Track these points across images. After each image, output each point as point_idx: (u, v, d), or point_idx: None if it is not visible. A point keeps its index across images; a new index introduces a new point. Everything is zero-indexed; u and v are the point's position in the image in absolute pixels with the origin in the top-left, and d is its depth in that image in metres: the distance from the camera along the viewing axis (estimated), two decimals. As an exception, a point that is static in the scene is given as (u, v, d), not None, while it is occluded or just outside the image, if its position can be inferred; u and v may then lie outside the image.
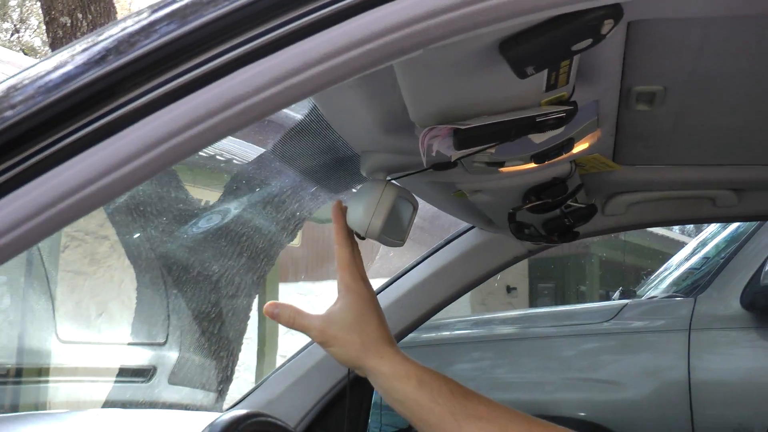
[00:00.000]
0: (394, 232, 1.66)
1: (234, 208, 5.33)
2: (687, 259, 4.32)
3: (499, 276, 2.44)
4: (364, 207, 1.57)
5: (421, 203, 1.78)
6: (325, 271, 12.30)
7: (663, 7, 1.14)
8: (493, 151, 1.53)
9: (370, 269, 1.72)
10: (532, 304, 12.87)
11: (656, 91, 1.56)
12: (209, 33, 0.84)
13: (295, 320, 1.43)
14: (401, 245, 1.73)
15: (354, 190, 2.00)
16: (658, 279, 4.38)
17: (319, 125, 1.63)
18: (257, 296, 5.57)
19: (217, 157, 7.32)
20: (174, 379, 4.24)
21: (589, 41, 1.04)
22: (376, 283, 2.33)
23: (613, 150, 1.89)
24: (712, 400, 3.54)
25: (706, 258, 4.05)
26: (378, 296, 2.40)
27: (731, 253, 3.81)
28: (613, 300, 4.32)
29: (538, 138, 1.48)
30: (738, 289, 3.65)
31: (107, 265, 8.06)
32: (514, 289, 12.62)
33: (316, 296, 12.26)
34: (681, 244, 12.91)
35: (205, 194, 6.50)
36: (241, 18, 0.84)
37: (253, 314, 5.44)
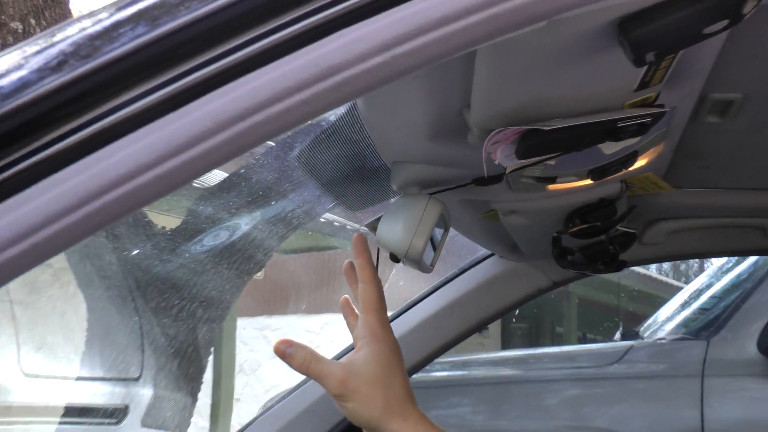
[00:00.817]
0: (428, 256, 1.55)
1: (199, 234, 5.19)
2: (695, 298, 4.23)
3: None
4: (403, 225, 1.44)
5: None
6: (282, 304, 12.13)
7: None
8: (553, 162, 1.42)
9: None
10: (505, 345, 12.77)
11: (734, 100, 1.46)
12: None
13: (311, 365, 1.29)
14: (431, 271, 1.62)
15: (366, 207, 1.89)
16: (663, 319, 4.29)
17: (341, 129, 1.51)
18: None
19: (175, 179, 7.16)
20: (148, 420, 4.05)
21: (725, 23, 0.93)
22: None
23: (666, 169, 1.78)
24: (727, 453, 3.44)
25: (718, 297, 3.96)
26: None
27: (746, 292, 3.73)
28: (616, 341, 4.22)
29: (609, 148, 1.37)
30: (755, 333, 3.56)
31: (49, 295, 7.85)
32: (486, 329, 12.51)
33: (272, 331, 12.09)
34: (667, 286, 12.96)
35: (161, 219, 6.36)
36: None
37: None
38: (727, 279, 4.14)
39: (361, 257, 1.40)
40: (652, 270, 13.54)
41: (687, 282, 13.42)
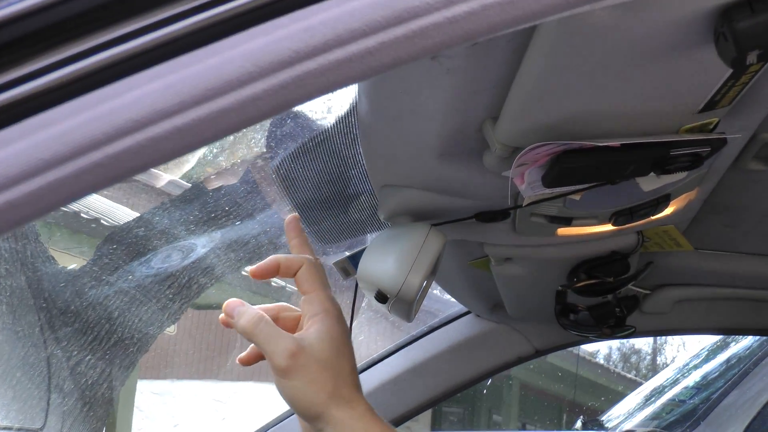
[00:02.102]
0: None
1: (106, 276, 5.06)
2: (667, 388, 4.18)
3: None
4: (397, 257, 1.35)
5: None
6: (187, 367, 11.91)
7: None
8: (578, 198, 1.34)
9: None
10: (435, 430, 12.63)
11: None
12: None
13: (260, 326, 1.20)
14: (411, 320, 1.53)
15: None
16: (630, 410, 4.23)
17: (328, 140, 1.42)
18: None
19: (81, 215, 7.06)
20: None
21: None
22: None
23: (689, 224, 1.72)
24: None
25: (696, 388, 3.91)
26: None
27: (731, 383, 3.68)
28: (576, 429, 4.15)
29: (649, 183, 1.30)
30: (739, 429, 3.50)
31: None
32: (413, 410, 12.33)
33: (173, 397, 11.84)
34: (617, 377, 12.98)
35: (65, 258, 6.20)
36: None
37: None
38: (703, 371, 4.10)
39: (298, 237, 1.31)
40: (600, 358, 13.58)
41: (638, 375, 13.49)
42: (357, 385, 1.23)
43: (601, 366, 13.00)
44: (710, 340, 4.40)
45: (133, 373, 8.23)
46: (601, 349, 13.41)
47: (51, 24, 0.59)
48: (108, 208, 6.92)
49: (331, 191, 1.58)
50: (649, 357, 14.57)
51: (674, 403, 3.93)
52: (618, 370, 13.83)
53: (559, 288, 1.70)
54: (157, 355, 11.39)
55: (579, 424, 4.23)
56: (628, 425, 3.97)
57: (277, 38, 0.60)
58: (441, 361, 2.17)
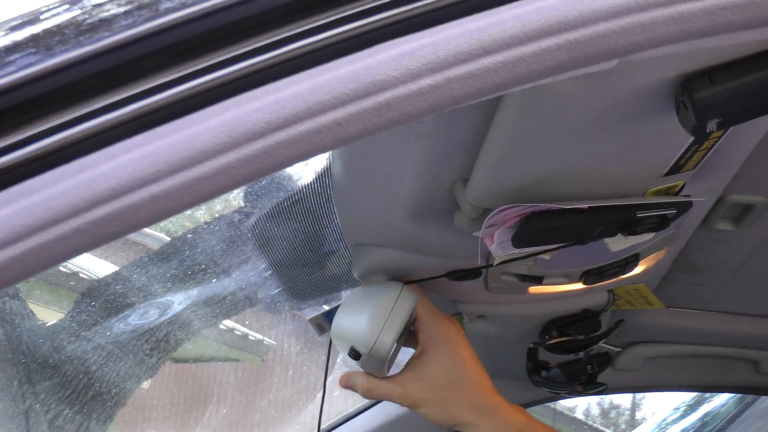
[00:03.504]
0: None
1: (84, 331, 5.03)
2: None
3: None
4: (370, 315, 1.37)
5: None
6: (165, 422, 11.81)
7: None
8: (547, 257, 1.37)
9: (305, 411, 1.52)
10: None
11: (756, 204, 1.43)
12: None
13: (372, 393, 1.40)
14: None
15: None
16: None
17: (303, 199, 1.45)
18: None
19: (60, 269, 7.03)
20: None
21: None
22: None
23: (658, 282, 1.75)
24: None
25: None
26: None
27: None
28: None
29: (618, 244, 1.33)
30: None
31: None
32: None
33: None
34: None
35: (45, 312, 6.18)
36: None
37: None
38: (681, 426, 4.11)
39: None
40: (578, 413, 13.52)
41: (616, 430, 13.45)
42: (485, 387, 1.36)
43: (579, 421, 12.96)
44: (688, 395, 4.42)
45: (110, 427, 8.16)
46: (580, 405, 13.37)
47: (33, 97, 0.61)
48: (87, 262, 6.90)
49: (306, 250, 1.59)
50: (628, 412, 14.55)
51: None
52: (596, 425, 13.79)
53: (531, 345, 1.72)
54: (134, 409, 11.29)
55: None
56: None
57: (249, 110, 0.63)
58: (415, 416, 2.15)
